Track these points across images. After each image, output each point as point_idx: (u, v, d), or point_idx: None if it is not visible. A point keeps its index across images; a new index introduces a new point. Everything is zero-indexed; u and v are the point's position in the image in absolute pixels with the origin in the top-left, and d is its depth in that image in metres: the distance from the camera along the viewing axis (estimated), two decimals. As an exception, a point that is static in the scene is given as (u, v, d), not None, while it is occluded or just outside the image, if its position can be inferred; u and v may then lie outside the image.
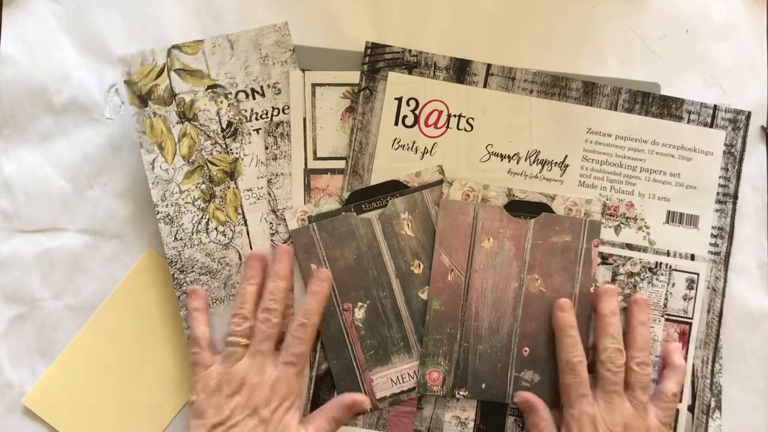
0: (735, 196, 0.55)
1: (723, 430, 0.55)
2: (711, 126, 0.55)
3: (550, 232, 0.53)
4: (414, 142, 0.54)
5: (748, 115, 0.56)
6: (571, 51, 0.56)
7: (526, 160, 0.55)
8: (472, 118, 0.54)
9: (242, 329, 0.50)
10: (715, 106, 0.55)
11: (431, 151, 0.54)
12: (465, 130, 0.54)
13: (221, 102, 0.53)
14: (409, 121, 0.54)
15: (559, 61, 0.56)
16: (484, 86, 0.55)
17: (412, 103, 0.54)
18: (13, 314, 0.54)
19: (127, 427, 0.54)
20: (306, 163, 0.54)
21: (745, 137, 0.56)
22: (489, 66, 0.54)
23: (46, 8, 0.55)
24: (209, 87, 0.53)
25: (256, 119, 0.54)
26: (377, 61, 0.54)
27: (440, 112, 0.54)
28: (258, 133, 0.54)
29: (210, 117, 0.53)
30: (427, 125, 0.54)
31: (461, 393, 0.52)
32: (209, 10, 0.55)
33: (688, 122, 0.55)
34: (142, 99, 0.53)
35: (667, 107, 0.55)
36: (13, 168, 0.54)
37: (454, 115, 0.54)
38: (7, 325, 0.54)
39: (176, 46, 0.53)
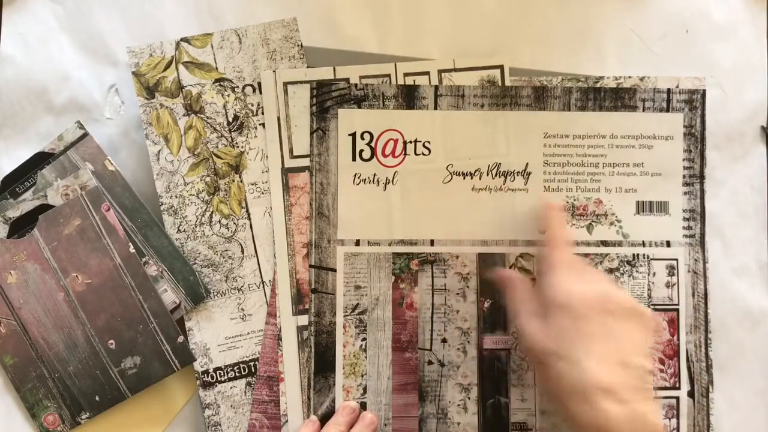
0: (702, 176, 0.55)
1: (723, 429, 0.55)
2: (667, 110, 0.55)
3: (59, 227, 0.51)
4: (375, 175, 0.54)
5: (703, 93, 0.55)
6: (570, 51, 0.56)
7: (488, 174, 0.54)
8: (429, 142, 0.54)
9: None
10: (669, 89, 0.55)
11: (393, 180, 0.54)
12: (423, 154, 0.54)
13: (228, 95, 0.54)
14: (366, 154, 0.54)
15: (559, 61, 0.56)
16: (435, 108, 0.54)
17: (367, 137, 0.54)
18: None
19: (135, 415, 0.53)
20: (283, 162, 0.54)
21: (703, 116, 0.55)
22: (437, 87, 0.54)
23: (46, 8, 0.55)
24: (216, 80, 0.54)
25: (263, 113, 0.54)
26: (325, 100, 0.54)
27: (396, 141, 0.54)
28: (264, 127, 0.54)
29: (216, 110, 0.54)
30: (384, 155, 0.54)
31: (84, 417, 0.52)
32: (209, 11, 0.55)
33: (643, 110, 0.55)
34: (150, 91, 0.53)
35: (620, 99, 0.55)
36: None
37: (410, 141, 0.54)
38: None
39: (185, 39, 0.53)
